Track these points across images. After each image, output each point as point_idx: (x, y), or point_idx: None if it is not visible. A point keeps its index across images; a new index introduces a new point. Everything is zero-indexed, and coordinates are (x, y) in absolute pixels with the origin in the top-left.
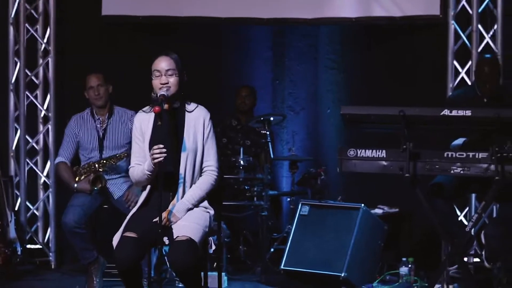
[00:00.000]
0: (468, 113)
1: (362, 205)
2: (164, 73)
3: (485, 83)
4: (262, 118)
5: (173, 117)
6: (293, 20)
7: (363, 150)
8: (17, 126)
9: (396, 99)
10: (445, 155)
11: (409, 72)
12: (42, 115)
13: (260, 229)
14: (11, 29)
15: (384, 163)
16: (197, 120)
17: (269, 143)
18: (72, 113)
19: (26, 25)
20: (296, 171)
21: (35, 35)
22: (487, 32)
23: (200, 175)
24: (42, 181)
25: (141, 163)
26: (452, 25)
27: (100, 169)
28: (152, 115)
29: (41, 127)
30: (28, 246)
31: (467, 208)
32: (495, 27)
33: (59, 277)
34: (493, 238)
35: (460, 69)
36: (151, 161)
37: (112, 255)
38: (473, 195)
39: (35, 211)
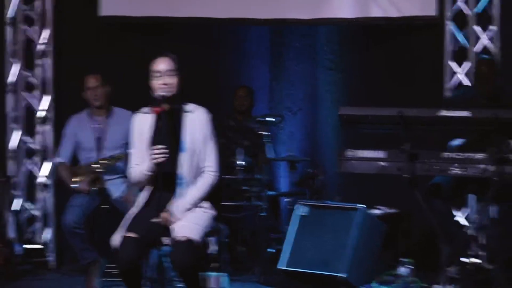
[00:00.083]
0: (467, 113)
1: (361, 205)
2: (164, 74)
3: (483, 83)
4: (260, 119)
5: (172, 117)
6: (291, 21)
7: (362, 151)
8: (15, 127)
9: (394, 99)
10: (444, 155)
11: (407, 72)
12: (40, 115)
13: (258, 229)
14: (9, 29)
15: (383, 163)
16: (196, 121)
17: (267, 144)
18: (70, 114)
19: (24, 25)
20: (294, 172)
21: (33, 35)
22: (484, 32)
23: (200, 176)
24: (40, 181)
25: (140, 163)
26: (449, 25)
27: (98, 170)
28: (151, 115)
29: (39, 128)
30: (27, 246)
31: (468, 209)
32: (492, 27)
33: (59, 277)
34: (492, 239)
35: (456, 70)
36: (150, 161)
37: (111, 255)
38: (472, 196)
39: (34, 212)
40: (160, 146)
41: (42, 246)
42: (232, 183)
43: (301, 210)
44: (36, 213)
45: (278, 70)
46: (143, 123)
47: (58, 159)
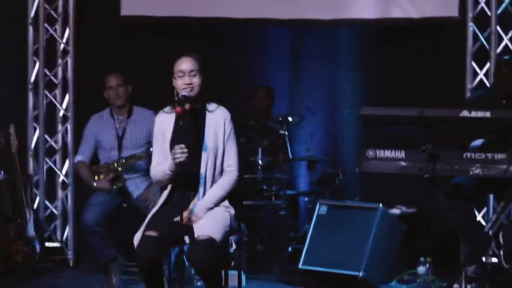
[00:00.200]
0: (487, 114)
1: (380, 205)
2: (187, 74)
3: (503, 84)
4: (280, 119)
5: (194, 117)
6: (311, 21)
7: (382, 151)
8: (36, 125)
9: (415, 100)
10: (464, 156)
11: (428, 72)
12: (61, 114)
13: (278, 228)
14: (31, 29)
15: (403, 163)
16: (218, 120)
17: (287, 143)
18: (91, 113)
19: (46, 25)
20: (314, 171)
21: (54, 35)
22: (506, 34)
23: (221, 175)
24: (60, 179)
25: (161, 162)
26: (471, 26)
27: (119, 169)
28: (173, 115)
29: (60, 126)
30: (47, 244)
31: (485, 209)
32: None
33: (78, 275)
34: (511, 239)
35: (478, 71)
36: (172, 161)
37: (132, 253)
38: (491, 196)
39: (53, 210)
40: (181, 146)
41: (62, 244)
42: (252, 182)
43: (322, 209)
44: (56, 211)
45: (298, 70)
46: (165, 122)
47: (78, 158)
